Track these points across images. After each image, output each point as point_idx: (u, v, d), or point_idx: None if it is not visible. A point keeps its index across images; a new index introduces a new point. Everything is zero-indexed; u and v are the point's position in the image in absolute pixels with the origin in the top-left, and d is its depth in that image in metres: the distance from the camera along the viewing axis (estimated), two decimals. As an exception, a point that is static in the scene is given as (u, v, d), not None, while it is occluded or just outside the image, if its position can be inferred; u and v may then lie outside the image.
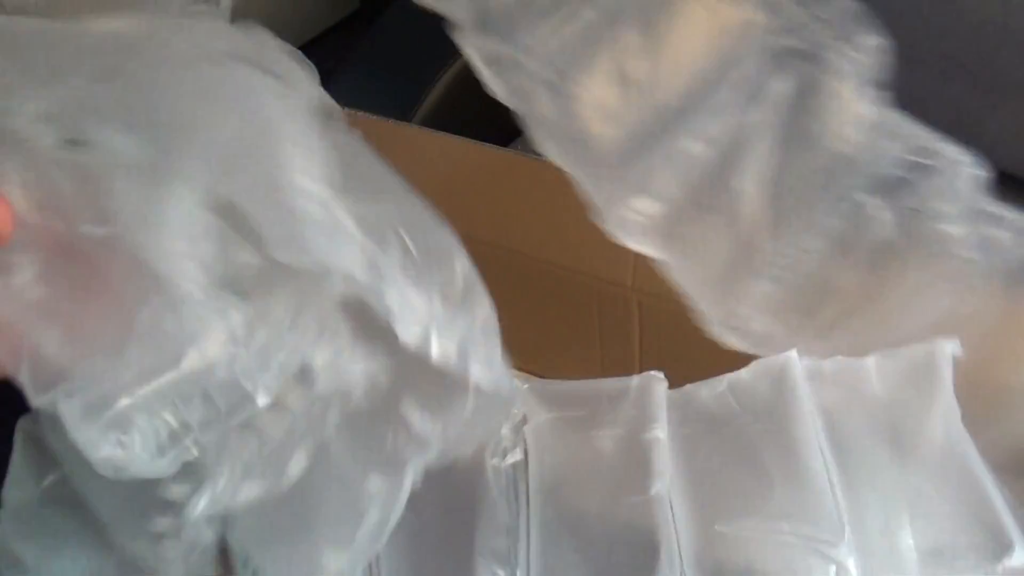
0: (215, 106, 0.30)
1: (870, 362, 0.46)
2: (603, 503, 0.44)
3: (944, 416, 0.45)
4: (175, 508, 0.41)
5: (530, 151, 0.54)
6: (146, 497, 0.43)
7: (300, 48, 0.42)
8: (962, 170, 0.47)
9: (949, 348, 0.46)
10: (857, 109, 0.48)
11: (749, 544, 0.41)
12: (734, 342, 0.49)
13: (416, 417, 0.41)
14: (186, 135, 0.29)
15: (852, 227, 0.47)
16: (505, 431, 0.47)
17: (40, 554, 0.50)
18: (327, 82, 0.41)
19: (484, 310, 0.39)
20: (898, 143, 0.47)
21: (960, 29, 0.72)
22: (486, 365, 0.38)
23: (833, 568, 0.40)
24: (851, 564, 0.40)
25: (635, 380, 0.47)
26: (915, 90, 0.78)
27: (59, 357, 0.30)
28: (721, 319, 0.49)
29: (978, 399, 0.45)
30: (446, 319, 0.37)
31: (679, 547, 0.42)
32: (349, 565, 0.40)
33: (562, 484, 0.46)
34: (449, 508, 0.47)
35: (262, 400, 0.35)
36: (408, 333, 0.36)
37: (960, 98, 0.76)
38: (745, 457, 0.43)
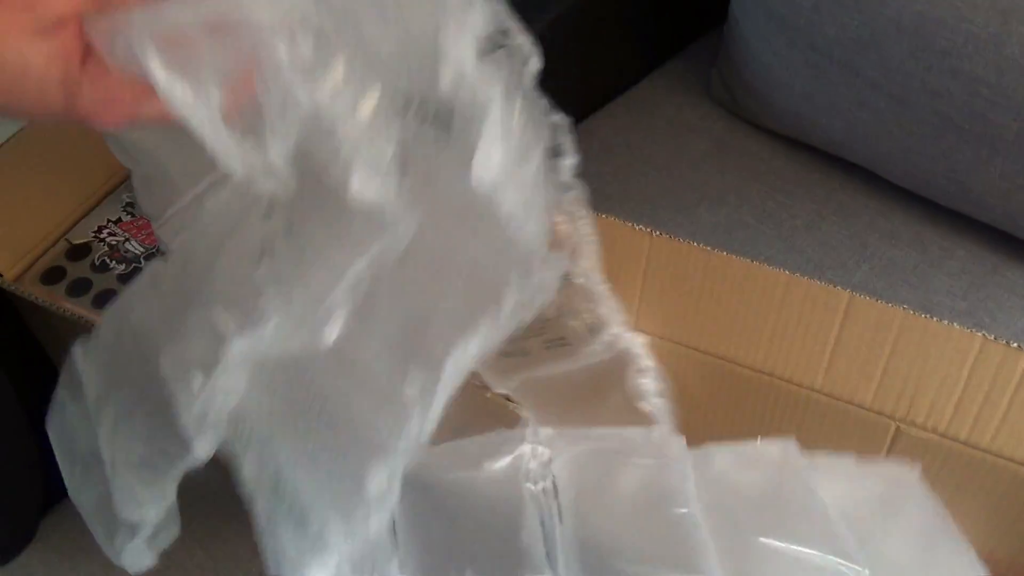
0: None
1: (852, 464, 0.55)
2: (636, 521, 0.46)
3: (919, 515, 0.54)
4: (217, 338, 0.42)
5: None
6: (196, 318, 0.44)
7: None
8: (528, 57, 0.46)
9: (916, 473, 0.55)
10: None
11: (785, 560, 0.43)
12: None
13: (459, 305, 0.43)
14: None
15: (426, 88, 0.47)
16: (533, 465, 0.48)
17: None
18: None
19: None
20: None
21: (953, 87, 0.74)
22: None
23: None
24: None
25: (655, 430, 0.51)
26: (911, 143, 0.80)
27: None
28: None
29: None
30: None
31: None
32: (389, 480, 0.41)
33: (593, 504, 0.48)
34: (486, 522, 0.48)
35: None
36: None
37: (951, 153, 0.78)
38: (768, 509, 0.45)
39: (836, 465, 0.54)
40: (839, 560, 0.46)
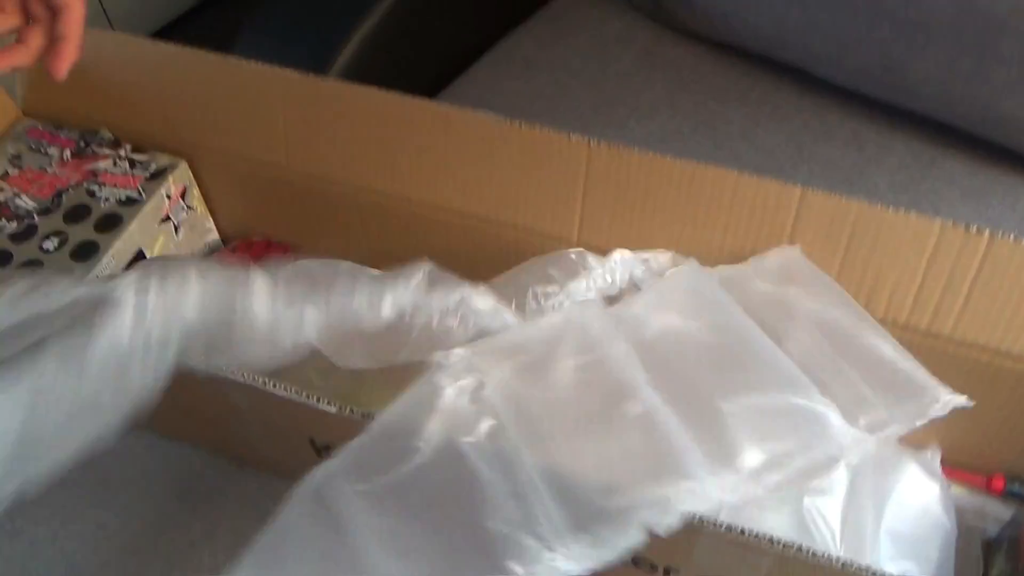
0: None
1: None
2: (596, 432, 0.44)
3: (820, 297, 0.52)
4: None
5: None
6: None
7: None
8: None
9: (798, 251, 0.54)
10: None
11: (752, 414, 0.44)
12: None
13: None
14: None
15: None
16: (464, 402, 0.44)
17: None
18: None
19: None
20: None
21: (884, -25, 0.72)
22: None
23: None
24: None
25: (574, 309, 0.50)
26: (845, 36, 0.78)
27: None
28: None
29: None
30: None
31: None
32: None
33: (546, 429, 0.44)
34: (441, 505, 0.43)
35: None
36: None
37: (886, 43, 0.75)
38: (719, 365, 0.47)
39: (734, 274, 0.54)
40: (805, 401, 0.45)
